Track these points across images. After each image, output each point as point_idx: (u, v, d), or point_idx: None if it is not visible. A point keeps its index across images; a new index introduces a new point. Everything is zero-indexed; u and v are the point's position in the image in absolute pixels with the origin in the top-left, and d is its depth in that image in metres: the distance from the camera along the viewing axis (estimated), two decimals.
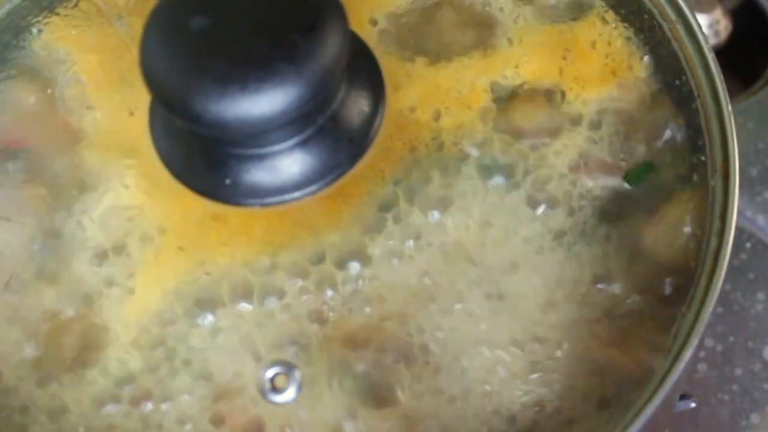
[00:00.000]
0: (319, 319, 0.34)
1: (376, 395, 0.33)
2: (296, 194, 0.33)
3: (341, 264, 0.34)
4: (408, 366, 0.33)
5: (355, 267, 0.34)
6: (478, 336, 0.34)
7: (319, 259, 0.34)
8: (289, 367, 0.33)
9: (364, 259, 0.34)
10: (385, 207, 0.35)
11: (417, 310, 0.34)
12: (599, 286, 0.34)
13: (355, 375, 0.33)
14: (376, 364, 0.33)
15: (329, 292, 0.34)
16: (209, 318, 0.34)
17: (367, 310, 0.34)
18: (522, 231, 0.35)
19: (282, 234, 0.35)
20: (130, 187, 0.36)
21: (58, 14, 0.39)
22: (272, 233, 0.35)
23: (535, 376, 0.33)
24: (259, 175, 0.33)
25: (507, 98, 0.36)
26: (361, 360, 0.33)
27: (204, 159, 0.34)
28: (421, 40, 0.38)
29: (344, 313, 0.34)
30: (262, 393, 0.33)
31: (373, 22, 0.38)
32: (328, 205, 0.35)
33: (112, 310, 0.34)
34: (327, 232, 0.35)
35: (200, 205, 0.34)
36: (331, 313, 0.34)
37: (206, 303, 0.34)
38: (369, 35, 0.37)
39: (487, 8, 0.38)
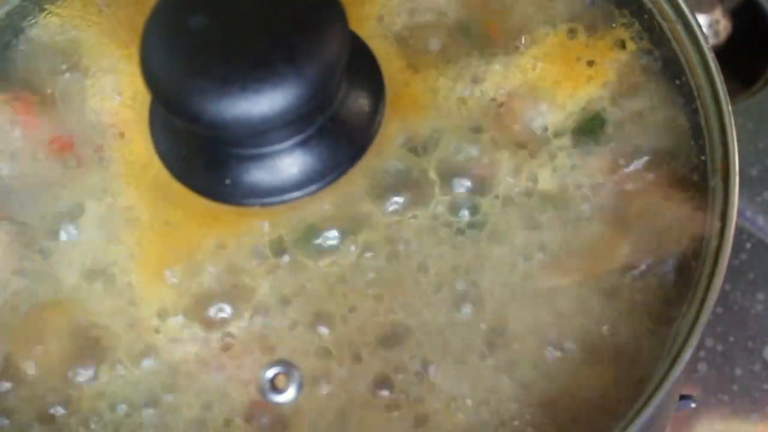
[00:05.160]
0: (322, 318, 0.34)
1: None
2: (296, 194, 0.33)
3: (341, 261, 0.34)
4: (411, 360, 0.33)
5: (353, 264, 0.34)
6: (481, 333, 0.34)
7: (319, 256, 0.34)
8: (289, 367, 0.33)
9: (363, 257, 0.34)
10: (386, 205, 0.35)
11: (418, 300, 0.34)
12: (600, 286, 0.34)
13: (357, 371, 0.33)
14: (382, 360, 0.33)
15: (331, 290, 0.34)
16: (209, 318, 0.34)
17: (371, 305, 0.34)
18: (519, 233, 0.35)
19: (281, 233, 0.35)
20: (130, 185, 0.36)
21: (57, 15, 0.39)
22: (271, 232, 0.35)
23: (535, 374, 0.33)
24: (259, 175, 0.33)
25: (506, 97, 0.36)
26: (367, 357, 0.33)
27: (204, 159, 0.34)
28: (422, 40, 0.38)
29: (348, 310, 0.34)
30: (262, 393, 0.33)
31: (374, 22, 0.38)
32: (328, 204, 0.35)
33: (110, 310, 0.35)
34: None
35: (200, 204, 0.34)
36: (334, 311, 0.34)
37: (206, 302, 0.34)
38: (370, 35, 0.37)
39: (488, 8, 0.38)
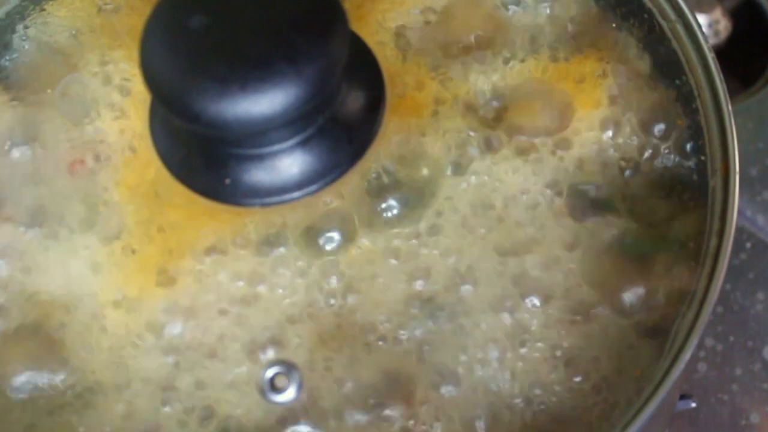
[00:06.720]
0: (322, 317, 0.34)
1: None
2: (296, 194, 0.33)
3: (339, 260, 0.34)
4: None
5: (352, 264, 0.34)
6: (478, 335, 0.34)
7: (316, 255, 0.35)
8: (289, 367, 0.33)
9: (362, 257, 0.34)
10: (384, 205, 0.35)
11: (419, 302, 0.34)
12: (599, 285, 0.34)
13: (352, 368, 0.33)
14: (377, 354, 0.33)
15: (330, 288, 0.34)
16: (208, 317, 0.34)
17: (372, 305, 0.34)
18: (521, 232, 0.35)
19: (280, 233, 0.35)
20: (130, 185, 0.36)
21: (57, 14, 0.39)
22: (270, 231, 0.35)
23: (534, 375, 0.33)
24: (259, 175, 0.33)
25: (507, 97, 0.36)
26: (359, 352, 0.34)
27: (204, 159, 0.34)
28: (422, 39, 0.38)
29: (348, 310, 0.34)
30: (262, 393, 0.33)
31: (374, 22, 0.38)
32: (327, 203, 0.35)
33: (111, 311, 0.35)
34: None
35: (200, 204, 0.34)
36: (333, 311, 0.34)
37: (205, 301, 0.34)
38: (370, 35, 0.37)
39: (490, 11, 0.38)
